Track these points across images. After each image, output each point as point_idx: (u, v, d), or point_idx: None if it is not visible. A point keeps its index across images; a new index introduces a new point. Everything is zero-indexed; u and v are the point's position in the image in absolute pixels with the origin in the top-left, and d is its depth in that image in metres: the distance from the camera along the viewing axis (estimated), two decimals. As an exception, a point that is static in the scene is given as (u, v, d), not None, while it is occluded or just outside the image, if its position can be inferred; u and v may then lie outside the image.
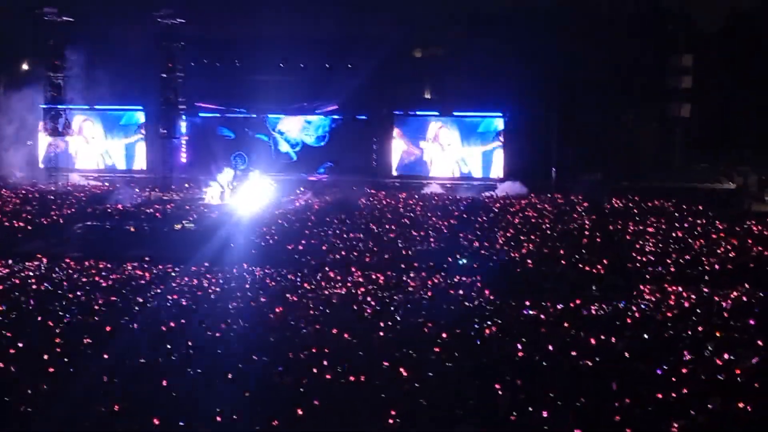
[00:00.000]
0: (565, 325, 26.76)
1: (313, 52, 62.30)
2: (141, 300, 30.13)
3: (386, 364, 22.23)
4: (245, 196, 53.72)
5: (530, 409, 19.24)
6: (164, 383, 20.52)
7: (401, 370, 21.73)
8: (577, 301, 30.43)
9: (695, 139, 63.04)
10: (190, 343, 23.89)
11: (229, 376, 21.20)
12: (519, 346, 23.98)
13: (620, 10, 62.15)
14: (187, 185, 58.31)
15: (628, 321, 27.83)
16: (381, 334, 25.74)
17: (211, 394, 20.04)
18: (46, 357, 22.54)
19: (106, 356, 22.65)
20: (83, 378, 20.99)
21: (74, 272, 34.93)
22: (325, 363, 22.13)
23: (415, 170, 63.52)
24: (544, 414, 18.93)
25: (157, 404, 19.37)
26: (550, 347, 24.09)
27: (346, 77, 62.11)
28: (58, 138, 60.27)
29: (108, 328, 25.80)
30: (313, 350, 23.51)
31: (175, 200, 54.28)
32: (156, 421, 18.43)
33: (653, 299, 31.36)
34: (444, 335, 25.26)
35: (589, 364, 22.58)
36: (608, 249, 40.58)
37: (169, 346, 23.51)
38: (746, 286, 32.83)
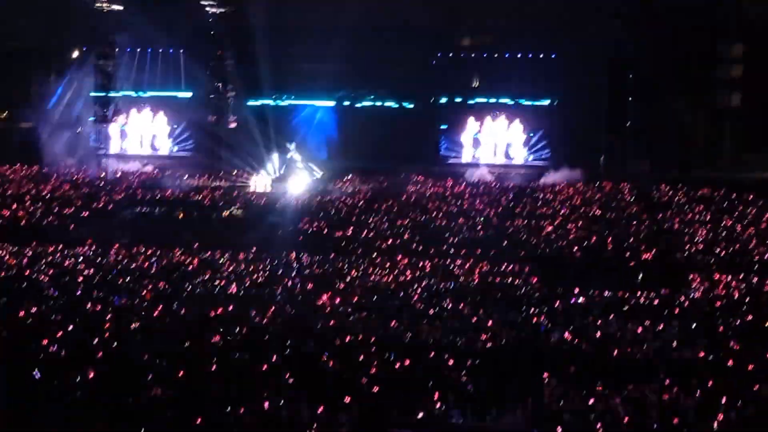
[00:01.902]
0: (612, 313, 26.63)
1: (362, 41, 62.13)
2: (189, 286, 30.32)
3: (432, 352, 22.24)
4: (292, 184, 53.90)
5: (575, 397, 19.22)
6: (212, 368, 20.71)
7: (447, 357, 21.73)
8: (625, 290, 30.30)
9: (745, 129, 62.32)
10: (237, 329, 24.03)
11: (274, 359, 21.32)
12: (567, 335, 23.93)
13: (670, -1, 61.54)
14: (234, 172, 58.46)
15: (676, 310, 27.65)
16: (426, 321, 25.74)
17: (257, 379, 20.12)
18: (95, 341, 22.81)
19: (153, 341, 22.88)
20: (130, 363, 21.13)
21: (123, 258, 35.18)
22: (372, 350, 22.18)
23: (463, 157, 63.48)
24: (591, 401, 18.89)
25: (202, 390, 19.50)
26: (598, 335, 24.04)
27: (394, 66, 62.09)
28: (108, 124, 60.62)
29: (155, 313, 26.02)
30: (360, 337, 23.58)
31: (222, 187, 54.45)
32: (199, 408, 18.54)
33: (701, 288, 31.16)
34: (490, 323, 25.28)
35: (637, 353, 22.50)
36: (657, 238, 40.33)
37: (219, 331, 23.71)
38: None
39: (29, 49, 63.63)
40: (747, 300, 28.94)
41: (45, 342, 22.21)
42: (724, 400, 18.81)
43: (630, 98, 60.91)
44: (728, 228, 42.14)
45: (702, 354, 22.20)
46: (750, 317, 26.12)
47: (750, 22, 62.16)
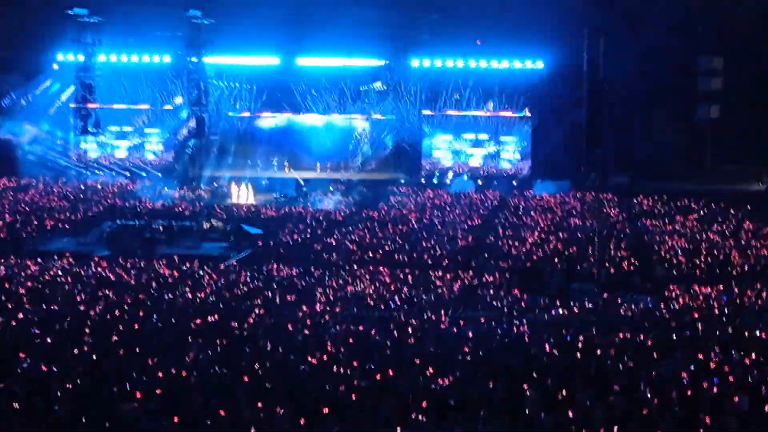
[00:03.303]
0: (593, 324, 26.65)
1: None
2: (169, 297, 30.23)
3: (417, 361, 22.20)
4: (273, 196, 53.96)
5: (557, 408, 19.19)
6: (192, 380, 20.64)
7: (429, 368, 21.69)
8: (605, 300, 30.38)
9: (724, 141, 62.57)
10: (218, 341, 23.98)
11: (257, 369, 21.27)
12: (547, 346, 23.92)
13: (650, 11, 61.71)
14: (215, 184, 58.39)
15: (656, 320, 27.69)
16: (409, 332, 25.72)
17: (237, 390, 20.05)
18: (76, 351, 22.70)
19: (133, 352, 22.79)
20: (111, 375, 21.03)
21: (103, 270, 35.07)
22: (354, 363, 22.14)
23: (444, 164, 63.76)
24: (571, 414, 18.84)
25: (183, 401, 19.42)
26: (578, 346, 24.04)
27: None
28: (88, 136, 60.45)
29: (136, 326, 25.93)
30: (341, 348, 23.54)
31: (203, 199, 54.39)
32: (176, 419, 18.44)
33: (681, 299, 31.23)
34: (471, 334, 25.27)
35: (618, 363, 22.48)
36: (637, 249, 40.41)
37: (198, 342, 23.63)
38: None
39: (5, 58, 63.27)
40: (727, 311, 29.01)
41: (23, 355, 22.12)
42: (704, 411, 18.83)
43: (610, 110, 61.09)
44: (708, 239, 42.29)
45: (682, 365, 22.21)
46: (730, 328, 26.17)
47: (729, 35, 62.45)
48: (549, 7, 58.23)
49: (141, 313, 27.50)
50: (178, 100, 63.70)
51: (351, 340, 24.49)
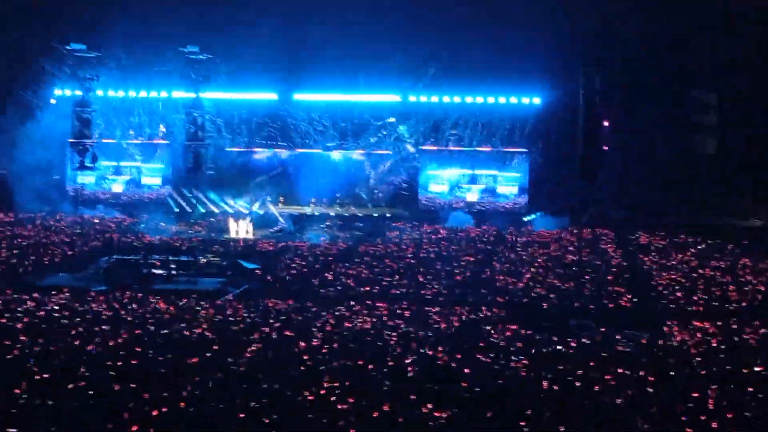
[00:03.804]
0: (591, 360, 26.60)
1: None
2: (166, 332, 30.14)
3: (413, 397, 22.13)
4: (271, 230, 54.00)
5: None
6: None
7: (428, 405, 21.62)
8: (602, 336, 30.33)
9: (722, 176, 62.69)
10: (215, 375, 23.91)
11: (253, 404, 21.19)
12: (545, 383, 23.86)
13: (647, 47, 61.98)
14: (213, 219, 58.39)
15: (654, 357, 27.64)
16: (407, 368, 25.65)
17: (233, 426, 19.99)
18: (71, 387, 22.63)
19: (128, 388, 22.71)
20: (106, 410, 20.97)
21: (100, 305, 34.97)
22: (350, 399, 22.07)
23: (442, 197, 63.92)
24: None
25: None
26: (576, 383, 23.97)
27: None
28: (85, 171, 60.46)
29: (132, 361, 25.86)
30: (336, 384, 23.47)
31: (200, 233, 54.43)
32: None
33: (679, 335, 31.18)
34: (467, 370, 25.20)
35: (616, 400, 22.43)
36: (635, 284, 40.39)
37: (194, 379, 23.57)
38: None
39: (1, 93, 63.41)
40: (724, 347, 28.96)
41: (18, 391, 22.05)
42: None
43: (606, 146, 61.16)
44: (705, 275, 42.28)
45: (679, 400, 22.17)
46: (728, 365, 26.12)
47: (724, 69, 62.67)
48: (545, 43, 58.56)
49: (137, 349, 27.42)
50: (176, 134, 63.89)
51: (348, 376, 24.41)
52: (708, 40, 62.21)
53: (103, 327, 30.80)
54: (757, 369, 25.55)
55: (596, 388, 23.36)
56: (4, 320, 31.80)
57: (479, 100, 62.73)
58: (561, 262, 45.32)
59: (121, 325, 31.12)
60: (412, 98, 62.84)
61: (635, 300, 37.25)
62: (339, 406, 21.53)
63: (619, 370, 25.19)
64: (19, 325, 30.86)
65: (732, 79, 61.90)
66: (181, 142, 63.11)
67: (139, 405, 21.23)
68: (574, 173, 60.14)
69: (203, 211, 60.18)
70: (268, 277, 41.97)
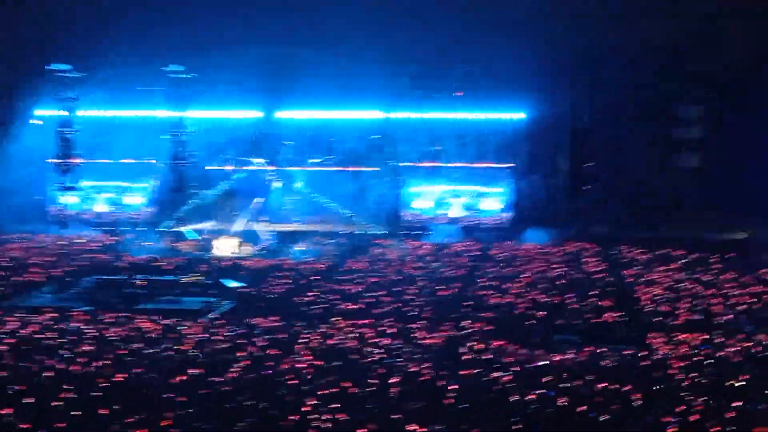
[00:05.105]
0: (576, 374, 26.57)
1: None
2: (150, 352, 30.01)
3: (398, 416, 22.07)
4: (255, 248, 53.99)
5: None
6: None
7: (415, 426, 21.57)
8: (588, 351, 30.32)
9: (706, 189, 62.86)
10: (199, 395, 23.81)
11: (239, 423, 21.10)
12: (531, 397, 23.81)
13: (632, 62, 62.19)
14: (199, 238, 58.31)
15: (639, 370, 27.64)
16: (391, 384, 25.58)
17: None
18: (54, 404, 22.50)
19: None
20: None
21: (83, 325, 34.80)
22: (336, 417, 21.99)
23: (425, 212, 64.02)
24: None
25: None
26: (563, 397, 23.93)
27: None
28: (68, 191, 60.33)
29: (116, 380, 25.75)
30: (318, 402, 23.39)
31: (185, 252, 54.30)
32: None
33: (664, 348, 31.18)
34: (454, 386, 25.13)
35: (602, 414, 22.40)
36: (619, 298, 40.42)
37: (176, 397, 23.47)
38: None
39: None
40: (709, 360, 28.98)
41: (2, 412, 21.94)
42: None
43: (590, 162, 61.38)
44: (690, 288, 42.36)
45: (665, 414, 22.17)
46: (713, 377, 26.13)
47: (710, 84, 62.93)
48: (530, 59, 58.73)
49: (122, 368, 27.30)
50: (160, 153, 63.82)
51: (333, 393, 24.34)
52: (692, 57, 62.49)
53: (87, 347, 30.68)
54: (741, 381, 25.54)
55: (582, 402, 23.31)
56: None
57: (464, 116, 62.85)
58: (546, 277, 45.33)
59: (105, 345, 31.01)
60: (395, 115, 62.90)
61: (620, 314, 37.21)
62: (324, 425, 21.43)
63: (604, 385, 25.14)
64: (2, 347, 30.69)
65: (714, 94, 62.15)
66: (165, 161, 63.01)
67: (123, 427, 21.08)
68: (559, 188, 60.60)
69: (186, 230, 59.97)
70: (253, 294, 41.91)
